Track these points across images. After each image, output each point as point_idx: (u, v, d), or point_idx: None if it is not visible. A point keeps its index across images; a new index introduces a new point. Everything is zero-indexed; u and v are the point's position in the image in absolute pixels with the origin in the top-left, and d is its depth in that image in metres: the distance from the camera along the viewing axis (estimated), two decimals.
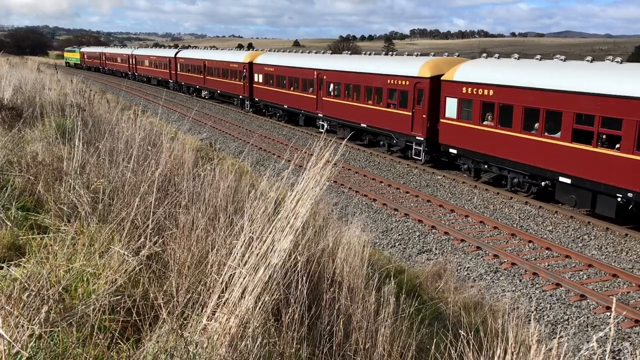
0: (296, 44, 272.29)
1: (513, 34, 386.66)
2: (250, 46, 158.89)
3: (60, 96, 14.21)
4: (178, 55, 51.87)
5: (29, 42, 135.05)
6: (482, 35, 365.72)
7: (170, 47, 70.23)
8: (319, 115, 28.55)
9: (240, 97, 38.57)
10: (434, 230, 14.69)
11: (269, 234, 3.73)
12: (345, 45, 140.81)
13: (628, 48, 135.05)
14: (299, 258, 4.02)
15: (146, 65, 60.92)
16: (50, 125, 9.54)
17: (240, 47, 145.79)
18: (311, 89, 29.22)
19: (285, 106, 32.31)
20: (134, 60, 65.09)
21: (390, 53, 29.45)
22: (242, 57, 38.71)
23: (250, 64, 36.49)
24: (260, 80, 35.24)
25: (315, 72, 28.56)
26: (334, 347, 3.97)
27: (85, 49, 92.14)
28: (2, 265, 4.12)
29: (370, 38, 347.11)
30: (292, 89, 31.32)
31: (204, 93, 46.70)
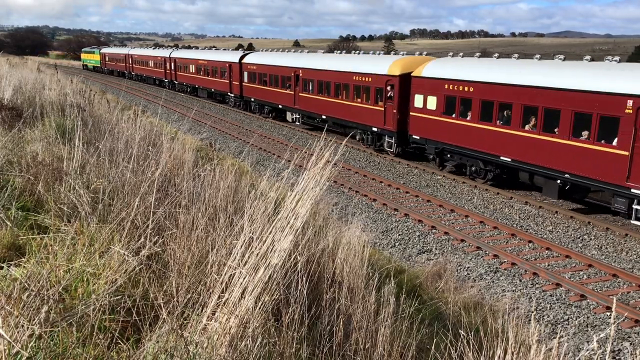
0: (296, 44, 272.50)
1: (513, 34, 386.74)
2: (250, 46, 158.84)
3: (60, 96, 14.21)
4: (245, 61, 37.37)
5: (29, 42, 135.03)
6: (482, 35, 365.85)
7: (228, 49, 57.01)
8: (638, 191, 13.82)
9: (375, 130, 23.73)
10: (434, 230, 14.69)
11: (269, 234, 3.73)
12: (345, 45, 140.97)
13: (628, 48, 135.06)
14: (299, 258, 4.02)
15: (191, 72, 47.39)
16: (50, 125, 9.54)
17: (240, 47, 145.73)
18: (604, 132, 14.55)
19: (507, 159, 17.51)
20: (172, 64, 51.59)
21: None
22: (383, 65, 22.94)
23: (406, 77, 21.63)
24: (431, 107, 20.33)
25: (632, 103, 13.60)
26: (334, 347, 3.97)
27: (106, 50, 79.02)
28: (2, 265, 4.12)
29: (371, 38, 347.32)
30: (528, 127, 16.75)
31: (292, 116, 32.08)
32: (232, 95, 39.68)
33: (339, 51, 32.15)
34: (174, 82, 52.08)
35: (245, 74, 37.02)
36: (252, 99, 36.73)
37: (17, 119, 9.58)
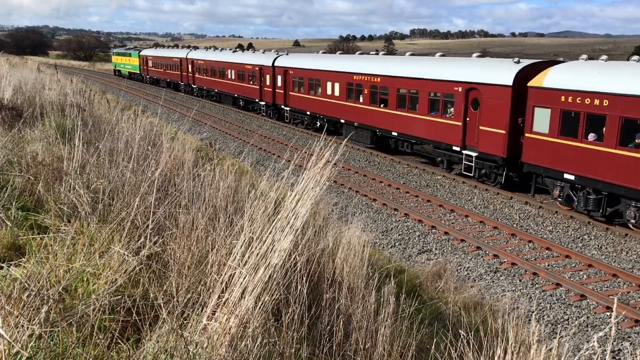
0: (296, 44, 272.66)
1: (513, 34, 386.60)
2: (250, 46, 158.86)
3: (60, 96, 14.21)
4: (551, 84, 15.26)
5: (29, 42, 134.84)
6: (482, 35, 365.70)
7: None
8: None
9: None
10: (434, 230, 14.68)
11: (269, 234, 3.73)
12: (345, 45, 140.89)
13: (628, 48, 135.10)
14: (298, 258, 4.02)
15: (328, 95, 27.06)
16: (50, 125, 9.53)
17: (240, 47, 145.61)
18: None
19: None
20: (279, 78, 31.89)
21: None
22: None
23: None
24: None
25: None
26: (334, 347, 3.97)
27: (148, 52, 60.74)
28: (2, 265, 4.12)
29: (370, 38, 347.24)
30: None
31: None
32: (465, 155, 19.12)
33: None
34: (279, 107, 33.04)
35: (542, 111, 15.85)
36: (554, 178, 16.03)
37: (17, 119, 9.57)
